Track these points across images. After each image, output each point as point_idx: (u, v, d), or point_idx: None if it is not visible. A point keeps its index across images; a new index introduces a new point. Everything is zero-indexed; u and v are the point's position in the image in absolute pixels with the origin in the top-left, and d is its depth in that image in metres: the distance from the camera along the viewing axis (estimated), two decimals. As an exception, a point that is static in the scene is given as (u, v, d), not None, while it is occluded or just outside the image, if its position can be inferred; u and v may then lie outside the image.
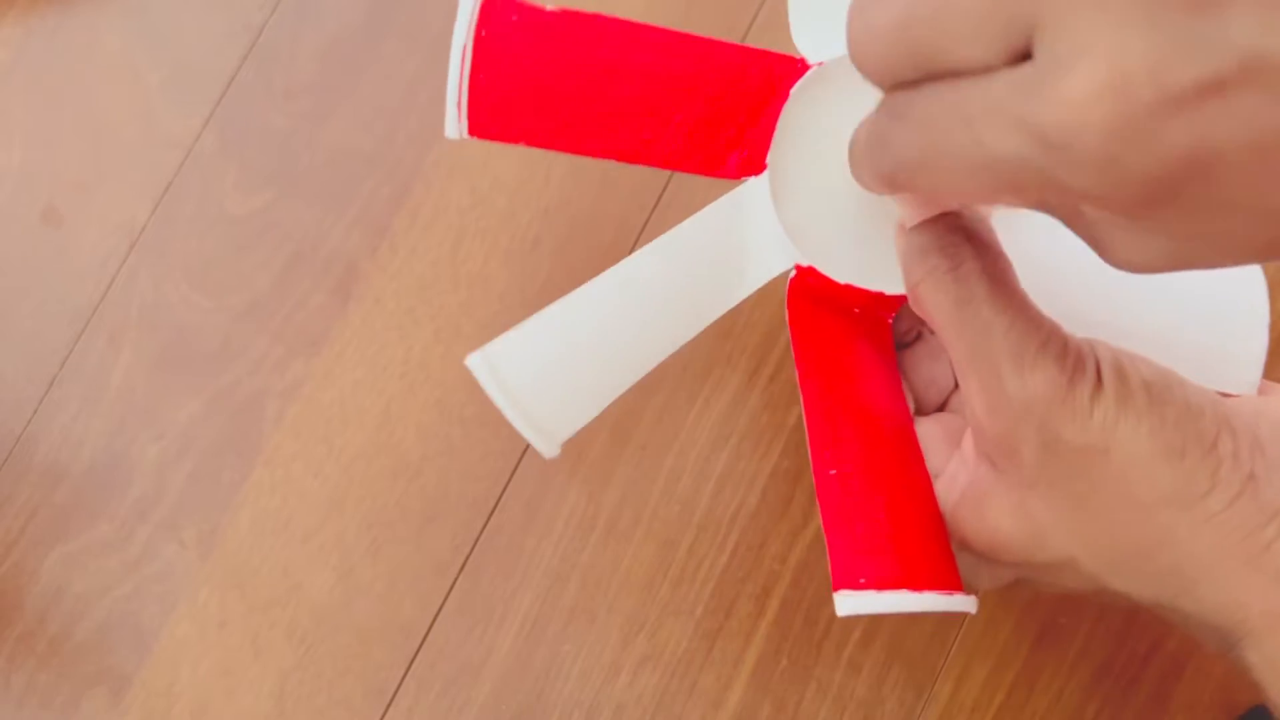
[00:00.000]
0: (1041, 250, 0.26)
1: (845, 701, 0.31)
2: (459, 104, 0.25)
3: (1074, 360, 0.22)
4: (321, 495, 0.32)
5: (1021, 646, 0.31)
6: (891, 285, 0.26)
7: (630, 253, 0.33)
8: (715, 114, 0.26)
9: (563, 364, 0.26)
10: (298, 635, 0.32)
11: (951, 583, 0.25)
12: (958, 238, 0.23)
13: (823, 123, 0.26)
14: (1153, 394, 0.22)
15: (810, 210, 0.26)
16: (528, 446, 0.32)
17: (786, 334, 0.32)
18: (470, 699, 0.32)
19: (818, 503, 0.26)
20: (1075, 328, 0.25)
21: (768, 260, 0.27)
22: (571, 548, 0.32)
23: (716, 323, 0.32)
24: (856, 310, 0.27)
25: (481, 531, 0.32)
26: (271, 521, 0.32)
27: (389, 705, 0.32)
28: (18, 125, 0.34)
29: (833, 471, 0.26)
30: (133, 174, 0.34)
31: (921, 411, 0.28)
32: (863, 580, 0.24)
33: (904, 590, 0.24)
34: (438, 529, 0.32)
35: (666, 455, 0.32)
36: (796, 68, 0.26)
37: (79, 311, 0.33)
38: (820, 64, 0.26)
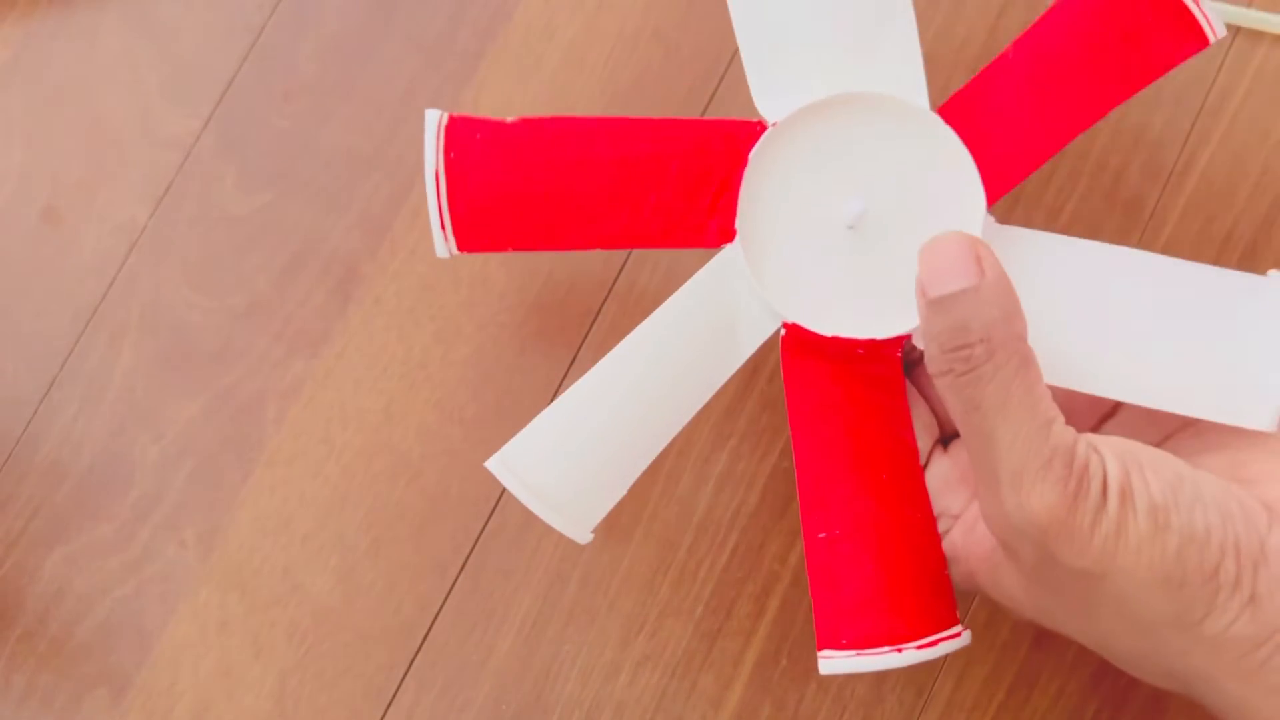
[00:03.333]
0: (1057, 276, 0.26)
1: (845, 701, 0.31)
2: (442, 226, 0.26)
3: (1077, 481, 0.21)
4: (322, 495, 0.33)
5: (1021, 646, 0.31)
6: (882, 329, 0.26)
7: (629, 253, 0.33)
8: (686, 189, 0.27)
9: (578, 455, 0.27)
10: (298, 635, 0.32)
11: (944, 623, 0.26)
12: (976, 334, 0.22)
13: (787, 182, 0.26)
14: (1157, 520, 0.21)
15: (787, 269, 0.27)
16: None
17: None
18: (470, 699, 0.32)
19: (806, 566, 0.26)
20: (1090, 359, 0.25)
21: (758, 323, 0.27)
22: (571, 548, 0.32)
23: (716, 323, 0.33)
24: (860, 351, 0.27)
25: (481, 531, 0.32)
26: (272, 522, 0.32)
27: (389, 705, 0.32)
28: (18, 125, 0.34)
29: (821, 535, 0.26)
30: (133, 174, 0.34)
31: (945, 428, 0.28)
32: (844, 641, 0.26)
33: (886, 649, 0.25)
34: (438, 529, 0.32)
35: (666, 455, 0.32)
36: (756, 131, 0.27)
37: (79, 312, 0.33)
38: (774, 124, 0.26)
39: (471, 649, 0.32)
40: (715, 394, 0.32)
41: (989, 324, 0.22)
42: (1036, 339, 0.23)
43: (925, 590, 0.26)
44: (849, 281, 0.27)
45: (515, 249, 0.27)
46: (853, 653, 0.25)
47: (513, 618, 0.32)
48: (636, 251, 0.33)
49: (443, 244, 0.27)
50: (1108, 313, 0.26)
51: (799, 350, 0.27)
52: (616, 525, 0.32)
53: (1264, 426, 0.25)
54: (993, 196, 0.26)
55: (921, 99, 0.27)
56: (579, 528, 0.27)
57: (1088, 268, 0.26)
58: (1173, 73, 0.33)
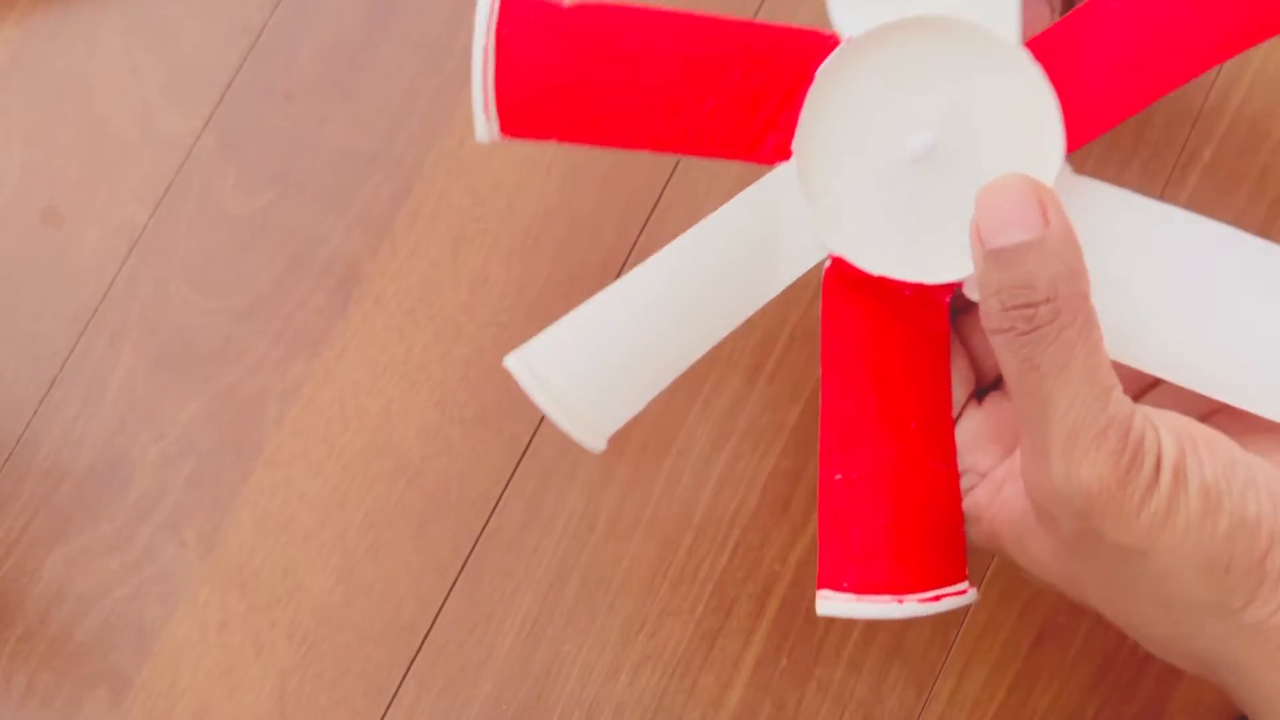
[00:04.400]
0: (1130, 238, 0.24)
1: (845, 700, 0.31)
2: (485, 106, 0.25)
3: (1131, 454, 0.20)
4: (322, 495, 0.33)
5: (1021, 646, 0.31)
6: (933, 274, 0.25)
7: (631, 253, 0.33)
8: (747, 97, 0.25)
9: (601, 361, 0.26)
10: (298, 635, 0.32)
11: (951, 579, 0.25)
12: (1041, 292, 0.21)
13: (852, 104, 0.24)
14: (1209, 502, 0.21)
15: (841, 197, 0.25)
16: (528, 447, 0.32)
17: (787, 334, 0.33)
18: (471, 698, 0.32)
19: (818, 504, 0.26)
20: (1148, 334, 0.24)
21: (803, 251, 0.25)
22: (572, 547, 0.32)
23: (716, 323, 0.33)
24: (907, 293, 0.25)
25: (482, 531, 0.32)
26: (272, 522, 0.32)
27: (389, 705, 0.32)
28: (18, 126, 0.34)
29: (838, 476, 0.25)
30: (133, 175, 0.34)
31: (983, 379, 0.27)
32: (845, 584, 0.25)
33: (886, 597, 0.24)
34: (438, 529, 0.32)
35: (666, 455, 0.32)
36: (827, 44, 0.24)
37: (79, 312, 0.33)
38: (849, 39, 0.24)
39: (472, 649, 0.32)
40: (715, 393, 0.32)
41: (1055, 280, 0.20)
42: (1096, 302, 0.22)
43: (936, 544, 0.25)
44: (905, 219, 0.25)
45: (560, 139, 0.25)
46: (852, 597, 0.25)
47: (513, 618, 0.32)
48: (637, 251, 0.33)
49: (484, 126, 0.25)
50: (1176, 285, 0.24)
51: (842, 284, 0.25)
52: (617, 525, 0.32)
53: None
54: (1072, 144, 0.24)
55: (1011, 31, 0.24)
56: (594, 435, 0.26)
57: (1165, 233, 0.24)
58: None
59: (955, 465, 0.26)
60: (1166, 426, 0.21)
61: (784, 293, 0.32)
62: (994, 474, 0.25)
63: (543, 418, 0.33)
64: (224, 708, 0.32)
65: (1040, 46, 0.24)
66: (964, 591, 0.25)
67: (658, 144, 0.25)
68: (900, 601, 0.25)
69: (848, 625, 0.32)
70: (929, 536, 0.25)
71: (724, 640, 0.32)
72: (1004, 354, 0.22)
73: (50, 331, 0.33)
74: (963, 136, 0.24)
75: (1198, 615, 0.22)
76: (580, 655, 0.32)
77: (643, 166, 0.33)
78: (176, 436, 0.33)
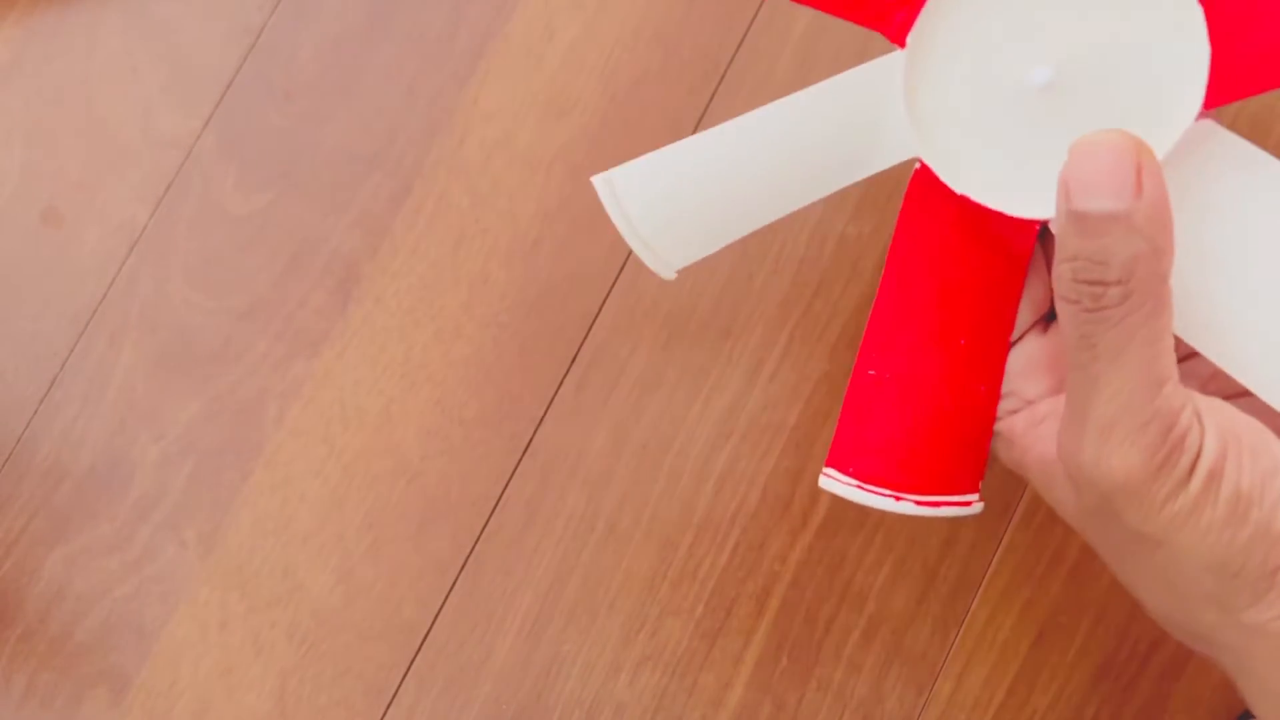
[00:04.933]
0: (1255, 212, 0.22)
1: (846, 700, 0.31)
2: None
3: (1169, 451, 0.20)
4: (322, 495, 0.33)
5: (1021, 645, 0.31)
6: (1018, 208, 0.23)
7: (630, 253, 0.33)
8: None
9: (679, 195, 0.26)
10: (298, 635, 0.32)
11: (958, 489, 0.25)
12: (1115, 272, 0.19)
13: (980, 11, 0.23)
14: (1236, 510, 0.20)
15: (944, 105, 0.23)
16: (528, 446, 0.32)
17: (787, 333, 0.33)
18: (471, 698, 0.32)
19: (845, 395, 0.25)
20: (1236, 323, 0.22)
21: (900, 144, 0.24)
22: (572, 547, 0.32)
23: (717, 321, 0.33)
24: (993, 213, 0.24)
25: (482, 531, 0.32)
26: (272, 522, 0.32)
27: (389, 705, 0.32)
28: (18, 126, 0.34)
29: (871, 372, 0.25)
30: (133, 175, 0.34)
31: (1052, 306, 0.26)
32: (851, 469, 0.25)
33: (887, 491, 0.24)
34: (438, 529, 0.32)
35: (666, 455, 0.32)
36: None
37: (79, 312, 0.33)
38: None
39: (472, 649, 0.32)
40: (715, 393, 0.32)
41: (1133, 260, 0.19)
42: (1191, 277, 0.20)
43: (952, 456, 0.24)
44: (1005, 144, 0.23)
45: None
46: (854, 482, 0.25)
47: (513, 617, 0.32)
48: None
49: None
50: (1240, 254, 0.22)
51: (928, 186, 0.24)
52: (617, 525, 0.32)
53: None
54: (1217, 99, 0.21)
55: None
56: (664, 266, 0.26)
57: None
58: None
59: (997, 388, 0.25)
60: (1215, 425, 0.21)
61: (784, 293, 0.33)
62: (1037, 406, 0.25)
63: (543, 417, 0.33)
64: (224, 707, 0.32)
65: None
66: (969, 503, 0.25)
67: None
68: (898, 499, 0.24)
69: (848, 625, 0.32)
70: (947, 447, 0.25)
71: (724, 640, 0.32)
72: (1066, 323, 0.21)
73: (50, 331, 0.33)
74: (1092, 68, 0.22)
75: (1200, 603, 0.21)
76: (580, 655, 0.32)
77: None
78: (176, 436, 0.33)
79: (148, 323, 0.33)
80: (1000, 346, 0.25)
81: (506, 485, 0.32)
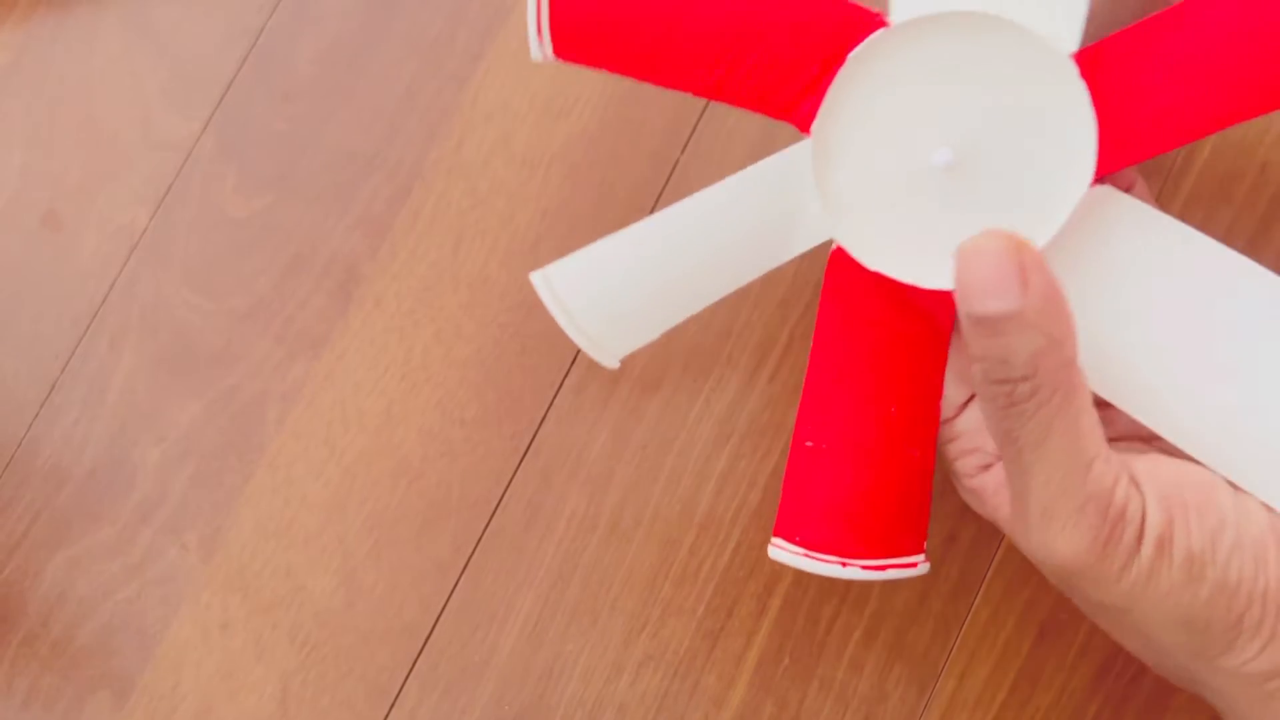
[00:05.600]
0: (1153, 271, 0.23)
1: (848, 700, 0.31)
2: (539, 27, 0.25)
3: (1111, 527, 0.20)
4: (323, 497, 0.33)
5: (1023, 644, 0.31)
6: (931, 280, 0.24)
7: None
8: (789, 59, 0.24)
9: (617, 294, 0.27)
10: (300, 637, 0.32)
11: (902, 551, 0.26)
12: (1019, 369, 0.20)
13: (878, 96, 0.23)
14: (1192, 571, 0.20)
15: (852, 187, 0.24)
16: (529, 447, 0.32)
17: (787, 333, 0.32)
18: (473, 699, 0.32)
19: (785, 466, 0.26)
20: (1149, 381, 0.23)
21: (817, 227, 0.25)
22: (573, 548, 0.32)
23: (716, 322, 0.33)
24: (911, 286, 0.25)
25: (483, 532, 0.32)
26: (273, 524, 0.32)
27: (392, 706, 0.32)
28: (17, 129, 0.34)
29: (809, 443, 0.26)
30: (133, 177, 0.34)
31: None
32: (798, 538, 0.26)
33: (833, 558, 0.26)
34: (439, 530, 0.32)
35: (667, 455, 0.32)
36: (873, 23, 0.23)
37: (80, 315, 0.33)
38: (888, 27, 0.23)
39: (474, 650, 0.32)
40: (716, 393, 0.32)
41: (1034, 355, 0.20)
42: (1102, 337, 0.21)
43: (894, 520, 0.26)
44: (914, 219, 0.24)
45: (610, 69, 0.25)
46: (801, 551, 0.26)
47: (515, 618, 0.32)
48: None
49: (536, 45, 0.25)
50: (1193, 332, 0.22)
51: (846, 263, 0.25)
52: (618, 525, 0.32)
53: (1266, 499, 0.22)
54: (1108, 166, 0.23)
55: (1070, 38, 0.22)
56: (607, 355, 0.28)
57: (1194, 271, 0.22)
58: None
59: (932, 452, 0.26)
60: (1155, 490, 0.21)
61: (784, 293, 0.33)
62: (999, 465, 0.25)
63: (544, 418, 0.33)
64: (226, 710, 0.32)
65: (1092, 58, 0.22)
66: (914, 564, 0.26)
67: (700, 89, 0.25)
68: (844, 565, 0.26)
69: (850, 624, 0.32)
70: (888, 513, 0.26)
71: (726, 640, 0.32)
72: (987, 418, 0.21)
73: (51, 335, 0.33)
74: (990, 144, 0.23)
75: (1177, 653, 0.22)
76: (582, 655, 0.32)
77: (641, 167, 0.33)
78: (177, 439, 0.33)
79: (148, 325, 0.33)
80: (931, 411, 0.26)
81: (508, 486, 0.32)
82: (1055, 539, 0.20)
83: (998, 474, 0.25)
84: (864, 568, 0.25)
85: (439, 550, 0.32)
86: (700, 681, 0.32)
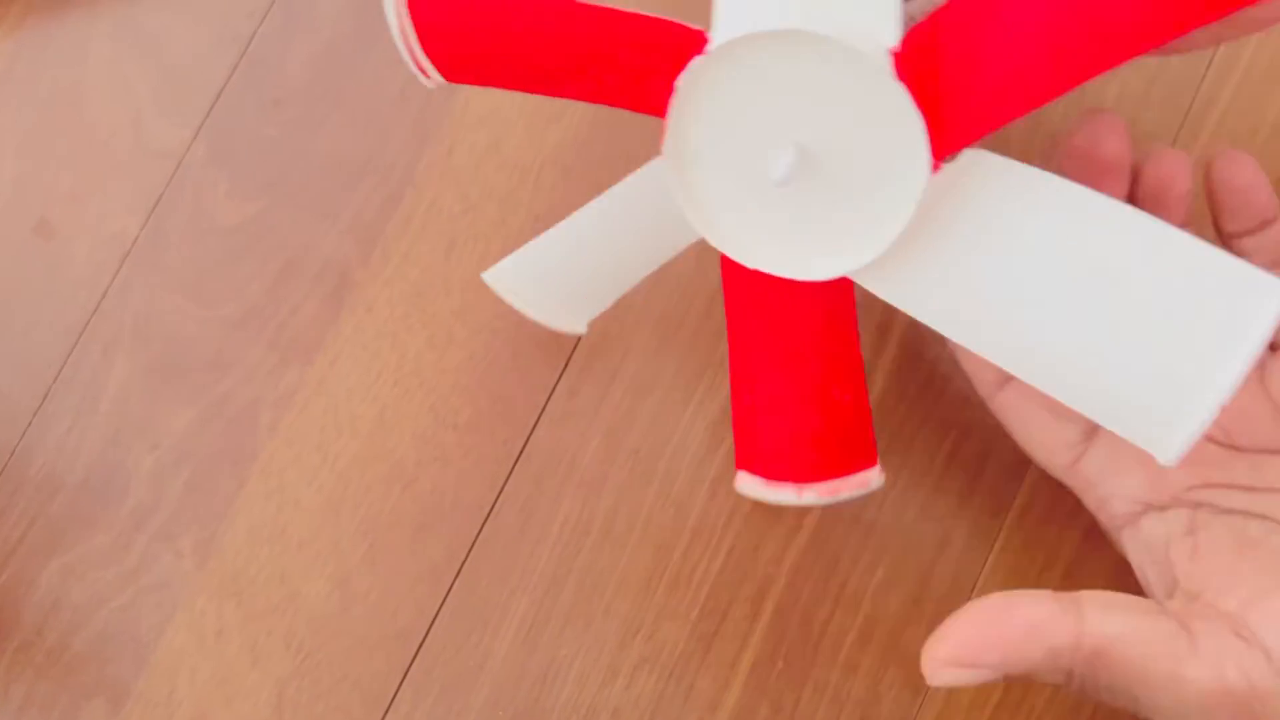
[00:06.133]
0: (1024, 220, 0.23)
1: (842, 702, 0.31)
2: (410, 55, 0.27)
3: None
4: (317, 503, 0.33)
5: (1017, 645, 0.31)
6: (807, 271, 0.25)
7: (622, 257, 0.33)
8: (639, 75, 0.25)
9: (557, 279, 0.31)
10: (295, 643, 0.32)
11: (852, 469, 0.28)
12: None
13: (716, 113, 0.24)
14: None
15: (712, 197, 0.25)
16: (522, 452, 0.32)
17: (779, 336, 0.33)
18: (468, 704, 0.32)
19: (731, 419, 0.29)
20: (1022, 329, 0.23)
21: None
22: (567, 552, 0.32)
23: (709, 325, 0.33)
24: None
25: (477, 537, 0.32)
26: (267, 530, 0.32)
27: (387, 711, 0.32)
28: (8, 138, 0.34)
29: (744, 398, 0.28)
30: (124, 185, 0.34)
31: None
32: (755, 470, 0.29)
33: (789, 487, 0.28)
34: (433, 535, 0.32)
35: (660, 459, 0.32)
36: (698, 43, 0.24)
37: (72, 323, 0.33)
38: (710, 50, 0.23)
39: (468, 654, 0.32)
40: (708, 396, 0.32)
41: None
42: (972, 293, 0.22)
43: (838, 448, 0.28)
44: (776, 218, 0.25)
45: (497, 86, 0.27)
46: (760, 481, 0.29)
47: (509, 623, 0.32)
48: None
49: (423, 79, 0.27)
50: (1063, 277, 0.23)
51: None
52: (612, 529, 0.32)
53: (1165, 459, 0.22)
54: (945, 149, 0.23)
55: (889, 32, 0.23)
56: (571, 325, 0.31)
57: (1062, 216, 0.23)
58: (1161, 69, 0.33)
59: (862, 392, 0.27)
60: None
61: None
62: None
63: (536, 423, 0.33)
64: (221, 716, 0.32)
65: (913, 44, 0.23)
66: (866, 482, 0.28)
67: (583, 97, 0.26)
68: (799, 493, 0.28)
69: (844, 626, 0.32)
70: (829, 444, 0.28)
71: (720, 643, 0.32)
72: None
73: (43, 343, 0.33)
74: (828, 147, 0.24)
75: None
76: (577, 659, 0.32)
77: (632, 171, 0.33)
78: (171, 446, 0.33)
79: (141, 333, 0.33)
80: (853, 359, 0.27)
81: (501, 491, 0.32)
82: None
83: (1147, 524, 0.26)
84: (819, 494, 0.28)
85: (433, 555, 0.32)
86: (695, 685, 0.32)
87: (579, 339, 0.33)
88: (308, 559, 0.32)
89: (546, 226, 0.33)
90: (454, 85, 0.34)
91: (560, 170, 0.33)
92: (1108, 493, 0.27)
